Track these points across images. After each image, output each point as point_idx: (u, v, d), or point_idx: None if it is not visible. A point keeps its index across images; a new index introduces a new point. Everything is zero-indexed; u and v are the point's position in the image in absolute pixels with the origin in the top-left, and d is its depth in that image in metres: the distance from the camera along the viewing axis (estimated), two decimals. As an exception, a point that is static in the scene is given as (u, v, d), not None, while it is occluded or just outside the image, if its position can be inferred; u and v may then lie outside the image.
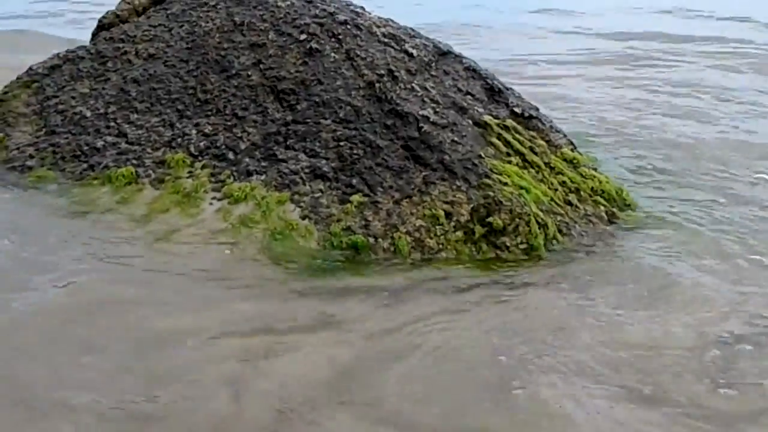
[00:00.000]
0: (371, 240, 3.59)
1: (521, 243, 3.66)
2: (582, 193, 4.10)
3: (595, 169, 4.32)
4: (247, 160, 4.03)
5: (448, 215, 3.68)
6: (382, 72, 4.21)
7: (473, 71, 4.47)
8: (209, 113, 4.31)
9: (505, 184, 3.85)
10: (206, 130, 4.22)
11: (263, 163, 4.00)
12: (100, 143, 4.32)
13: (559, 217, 3.87)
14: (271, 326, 2.99)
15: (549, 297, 3.28)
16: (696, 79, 7.31)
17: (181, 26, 4.80)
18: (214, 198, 3.89)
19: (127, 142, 4.29)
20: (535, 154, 4.15)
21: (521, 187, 3.87)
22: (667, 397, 2.58)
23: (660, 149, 5.22)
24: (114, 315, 3.03)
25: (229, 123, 4.22)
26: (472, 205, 3.71)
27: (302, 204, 3.78)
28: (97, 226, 3.78)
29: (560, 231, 3.80)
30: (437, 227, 3.65)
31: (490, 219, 3.66)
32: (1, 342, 2.81)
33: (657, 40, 9.33)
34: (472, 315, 3.10)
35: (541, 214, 3.78)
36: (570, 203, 4.02)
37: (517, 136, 4.18)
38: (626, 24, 10.43)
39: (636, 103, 6.54)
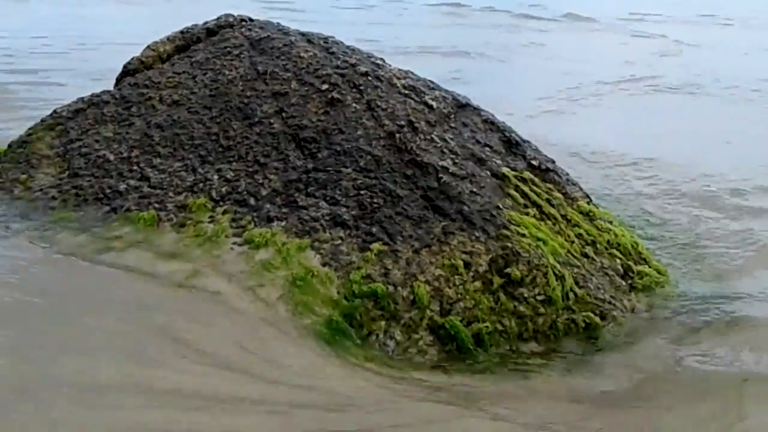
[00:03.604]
0: (390, 288, 3.62)
1: (539, 294, 3.69)
2: (598, 245, 4.14)
3: (610, 222, 4.37)
4: (267, 206, 4.09)
5: (467, 265, 3.72)
6: (403, 123, 4.29)
7: (491, 123, 4.56)
8: (231, 159, 4.38)
9: (523, 235, 3.89)
10: (228, 176, 4.29)
11: (284, 210, 4.05)
12: (122, 186, 4.39)
13: (575, 269, 3.90)
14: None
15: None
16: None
17: (205, 74, 4.91)
18: (234, 243, 3.94)
19: (149, 186, 4.36)
20: (552, 206, 4.20)
21: (538, 239, 3.92)
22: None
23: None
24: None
25: (250, 169, 4.29)
26: (490, 256, 3.75)
27: (322, 251, 3.82)
28: (117, 264, 3.83)
29: (577, 283, 3.83)
30: (456, 277, 3.68)
31: (508, 270, 3.70)
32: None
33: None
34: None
35: (558, 266, 3.81)
36: (586, 255, 4.06)
37: (534, 188, 4.24)
38: None
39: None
